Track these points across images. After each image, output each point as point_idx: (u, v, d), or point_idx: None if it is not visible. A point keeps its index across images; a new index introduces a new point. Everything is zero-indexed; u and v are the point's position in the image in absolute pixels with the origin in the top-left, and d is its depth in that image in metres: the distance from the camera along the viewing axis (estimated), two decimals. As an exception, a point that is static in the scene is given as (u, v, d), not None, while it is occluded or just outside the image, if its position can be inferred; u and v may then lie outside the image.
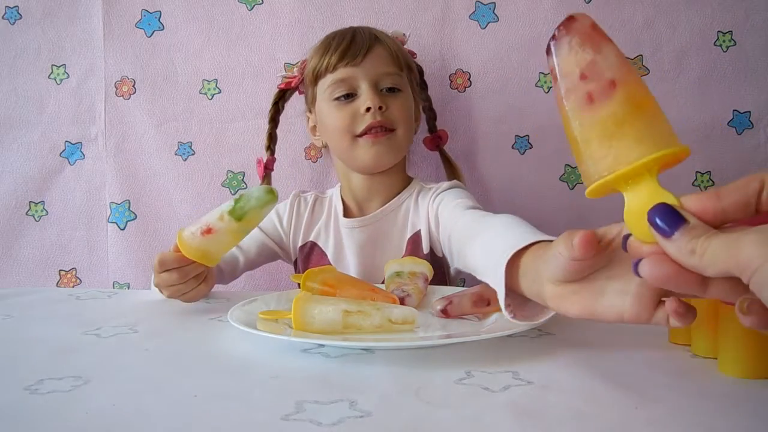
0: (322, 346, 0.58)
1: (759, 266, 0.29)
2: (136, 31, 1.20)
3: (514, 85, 1.15)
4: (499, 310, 0.65)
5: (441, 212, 0.92)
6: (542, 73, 1.15)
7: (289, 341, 0.58)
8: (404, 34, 1.08)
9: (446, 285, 0.95)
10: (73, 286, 1.21)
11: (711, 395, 0.44)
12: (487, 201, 1.12)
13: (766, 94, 1.13)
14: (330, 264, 1.00)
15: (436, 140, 1.13)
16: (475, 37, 1.16)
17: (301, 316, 0.60)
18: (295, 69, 1.09)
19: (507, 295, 0.52)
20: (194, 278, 0.80)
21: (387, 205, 1.00)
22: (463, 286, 0.97)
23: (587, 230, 0.41)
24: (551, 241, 0.50)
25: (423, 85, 1.11)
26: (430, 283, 0.81)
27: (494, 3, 1.15)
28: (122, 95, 1.21)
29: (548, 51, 0.41)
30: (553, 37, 0.41)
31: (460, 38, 1.16)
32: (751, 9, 1.12)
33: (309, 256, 1.03)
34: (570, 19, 0.41)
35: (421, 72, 1.11)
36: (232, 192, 1.20)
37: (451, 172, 1.10)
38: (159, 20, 1.20)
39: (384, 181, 1.01)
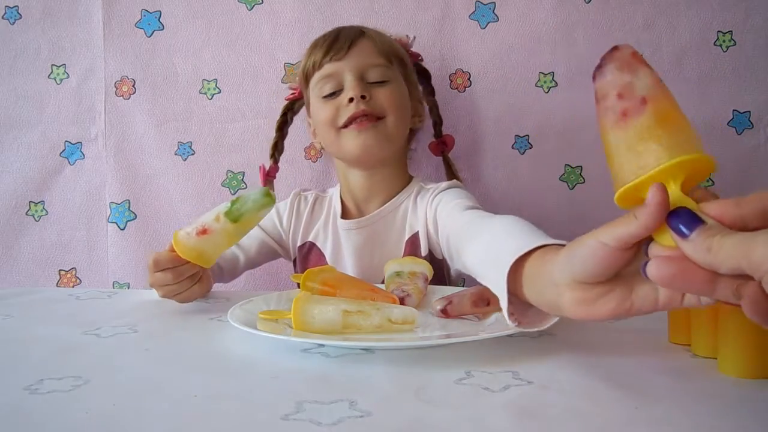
0: (322, 346, 0.58)
1: None
2: (136, 31, 1.20)
3: (514, 85, 1.15)
4: (500, 310, 0.66)
5: (439, 213, 0.91)
6: (542, 73, 1.15)
7: (289, 341, 0.58)
8: (407, 36, 1.08)
9: (442, 281, 0.95)
10: (73, 286, 1.21)
11: (711, 395, 0.44)
12: (487, 201, 1.12)
13: (766, 94, 1.13)
14: (327, 264, 1.00)
15: (441, 146, 1.12)
16: (475, 37, 1.16)
17: (301, 316, 0.60)
18: (297, 78, 1.09)
19: (510, 302, 0.50)
20: (188, 279, 0.80)
21: (385, 206, 0.99)
22: (463, 286, 0.97)
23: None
24: (558, 244, 0.48)
25: (430, 90, 1.11)
26: (430, 284, 0.81)
27: (494, 3, 1.15)
28: (122, 95, 1.21)
29: (594, 77, 0.46)
30: (599, 65, 0.46)
31: (460, 38, 1.16)
32: (751, 9, 1.12)
33: (307, 257, 1.03)
34: (613, 48, 0.46)
35: (428, 76, 1.11)
36: (232, 192, 1.20)
37: (451, 178, 1.09)
38: (159, 20, 1.20)
39: (383, 179, 1.00)
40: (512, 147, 1.16)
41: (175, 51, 1.20)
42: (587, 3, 1.13)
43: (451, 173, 1.10)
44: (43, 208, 1.22)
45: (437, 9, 1.16)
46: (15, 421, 0.42)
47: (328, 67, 0.95)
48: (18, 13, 1.21)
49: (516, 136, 1.16)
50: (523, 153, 1.16)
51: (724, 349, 0.48)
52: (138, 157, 1.20)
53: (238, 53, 1.19)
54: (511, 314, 0.50)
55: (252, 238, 1.03)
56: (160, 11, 1.20)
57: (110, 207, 1.21)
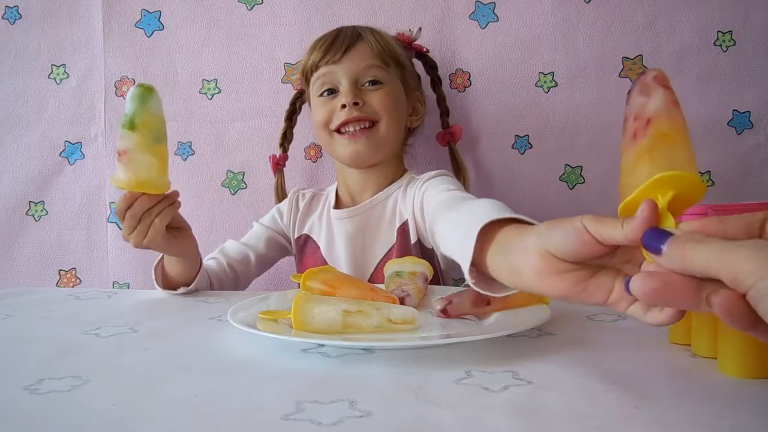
0: (322, 345, 0.58)
1: (756, 281, 0.31)
2: (136, 31, 1.20)
3: (514, 85, 1.15)
4: (500, 310, 0.66)
5: (425, 199, 0.92)
6: (542, 73, 1.15)
7: (289, 341, 0.58)
8: (410, 30, 1.09)
9: (438, 278, 0.96)
10: (73, 286, 1.21)
11: (711, 395, 0.44)
12: (487, 201, 1.12)
13: (766, 94, 1.13)
14: (322, 256, 1.02)
15: (448, 136, 1.13)
16: (475, 37, 1.16)
17: (301, 316, 0.60)
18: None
19: (471, 270, 0.51)
20: (146, 215, 0.80)
21: (376, 195, 1.02)
22: (462, 286, 0.97)
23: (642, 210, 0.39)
24: (533, 224, 0.50)
25: (437, 80, 1.13)
26: (430, 284, 0.81)
27: (494, 3, 1.15)
28: (122, 95, 1.21)
29: (626, 101, 0.48)
30: (629, 90, 0.48)
31: (460, 38, 1.16)
32: (751, 9, 1.12)
33: (303, 249, 1.05)
34: (641, 73, 0.48)
35: (434, 67, 1.13)
36: (232, 192, 1.20)
37: (457, 170, 1.11)
38: (159, 20, 1.20)
39: (379, 174, 1.03)
40: (512, 147, 1.16)
41: (175, 51, 1.20)
42: (587, 3, 1.13)
43: (456, 164, 1.11)
44: (43, 208, 1.22)
45: (437, 9, 1.16)
46: (15, 421, 0.42)
47: (324, 69, 0.98)
48: (18, 13, 1.21)
49: (516, 136, 1.16)
50: (523, 153, 1.16)
51: (724, 349, 0.48)
52: (138, 157, 1.20)
53: (238, 53, 1.19)
54: (471, 272, 0.52)
55: (257, 236, 1.06)
56: (160, 11, 1.20)
57: (110, 207, 1.21)
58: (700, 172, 1.13)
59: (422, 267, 0.80)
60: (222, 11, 1.19)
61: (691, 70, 1.13)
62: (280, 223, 1.08)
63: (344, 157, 0.99)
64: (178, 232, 0.86)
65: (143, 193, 0.79)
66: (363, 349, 0.57)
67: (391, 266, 0.81)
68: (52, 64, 1.22)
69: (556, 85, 1.15)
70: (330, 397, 0.45)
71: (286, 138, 1.16)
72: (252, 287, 1.16)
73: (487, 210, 0.57)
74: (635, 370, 0.50)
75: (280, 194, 1.15)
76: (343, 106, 0.95)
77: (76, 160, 1.22)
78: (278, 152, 1.16)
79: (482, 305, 0.66)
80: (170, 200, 0.82)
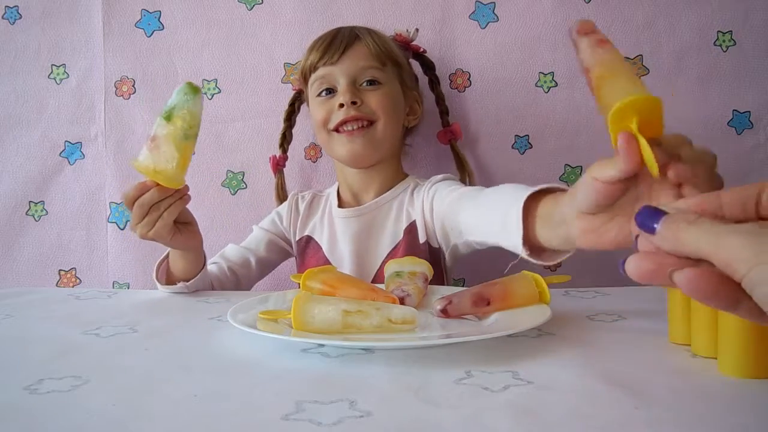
0: (322, 345, 0.58)
1: (751, 268, 0.30)
2: (135, 31, 1.20)
3: (514, 85, 1.15)
4: (500, 310, 0.66)
5: (435, 200, 0.95)
6: (542, 73, 1.15)
7: (289, 341, 0.58)
8: (408, 30, 1.10)
9: (442, 276, 0.98)
10: (73, 286, 1.21)
11: (711, 395, 0.44)
12: (487, 201, 1.12)
13: (766, 94, 1.13)
14: (325, 256, 1.02)
15: (449, 134, 1.14)
16: (475, 37, 1.15)
17: (301, 316, 0.60)
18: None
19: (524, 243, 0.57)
20: (155, 207, 0.80)
21: (382, 196, 1.03)
22: (463, 286, 0.97)
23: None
24: (563, 189, 0.55)
25: (435, 80, 1.14)
26: (430, 284, 0.81)
27: (494, 3, 1.15)
28: (122, 95, 1.21)
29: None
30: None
31: (460, 38, 1.16)
32: (751, 9, 1.12)
33: (305, 250, 1.05)
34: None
35: (432, 67, 1.13)
36: (232, 192, 1.20)
37: (461, 167, 1.12)
38: (159, 20, 1.20)
39: (378, 174, 1.03)
40: (512, 147, 1.16)
41: (175, 51, 1.20)
42: (587, 3, 1.13)
43: (459, 162, 1.12)
44: (43, 208, 1.22)
45: (437, 9, 1.16)
46: (15, 421, 0.42)
47: (323, 70, 0.98)
48: (18, 13, 1.21)
49: (516, 136, 1.16)
50: (523, 153, 1.16)
51: (724, 349, 0.48)
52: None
53: (238, 53, 1.19)
54: (524, 247, 0.57)
55: (257, 240, 1.06)
56: (160, 11, 1.20)
57: (110, 207, 1.21)
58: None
59: (422, 267, 0.80)
60: (222, 11, 1.19)
61: (691, 70, 1.13)
62: (279, 226, 1.08)
63: (342, 156, 1.00)
64: (184, 226, 0.87)
65: (156, 184, 0.79)
66: (363, 349, 0.57)
67: (391, 266, 0.81)
68: (52, 64, 1.22)
69: (556, 85, 1.15)
70: (330, 397, 0.45)
71: (286, 138, 1.16)
72: (252, 288, 1.17)
73: (513, 191, 0.62)
74: (635, 370, 0.50)
75: (281, 195, 1.15)
76: (341, 105, 0.96)
77: (76, 160, 1.22)
78: (278, 153, 1.16)
79: (482, 305, 0.66)
80: (180, 194, 0.82)
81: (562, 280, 0.74)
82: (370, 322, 0.60)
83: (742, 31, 1.12)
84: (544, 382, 0.47)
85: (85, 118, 1.21)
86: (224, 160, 1.20)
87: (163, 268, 0.92)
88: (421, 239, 0.97)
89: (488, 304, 0.66)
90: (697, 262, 0.34)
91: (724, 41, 1.13)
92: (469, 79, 1.16)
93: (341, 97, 0.96)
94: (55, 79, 1.22)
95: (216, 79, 1.20)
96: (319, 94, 0.99)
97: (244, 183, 1.20)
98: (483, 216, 0.72)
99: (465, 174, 1.10)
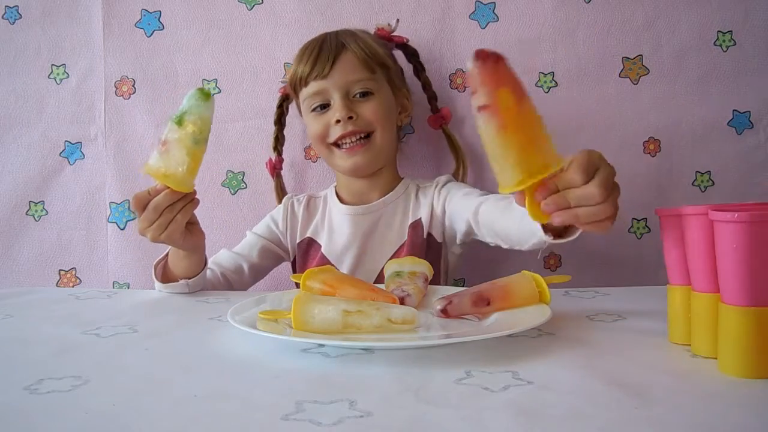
0: (322, 345, 0.58)
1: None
2: (136, 30, 1.20)
3: (514, 85, 1.15)
4: (500, 310, 0.66)
5: (450, 201, 1.00)
6: (542, 73, 1.15)
7: (289, 341, 0.58)
8: (390, 24, 1.10)
9: (439, 272, 1.01)
10: (72, 286, 1.21)
11: (711, 395, 0.44)
12: (487, 201, 1.12)
13: (766, 94, 1.13)
14: (327, 256, 1.03)
15: (440, 120, 1.14)
16: (475, 37, 1.15)
17: (301, 316, 0.60)
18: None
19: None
20: (168, 209, 0.80)
21: (387, 196, 1.05)
22: (463, 286, 0.97)
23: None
24: None
25: (420, 67, 1.14)
26: (430, 284, 0.81)
27: (494, 3, 1.15)
28: (122, 95, 1.21)
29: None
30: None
31: (460, 38, 1.16)
32: (751, 9, 1.12)
33: (307, 252, 1.06)
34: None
35: (415, 54, 1.13)
36: (232, 192, 1.20)
37: (455, 152, 1.13)
38: (159, 20, 1.20)
39: (381, 178, 1.06)
40: (512, 147, 1.16)
41: (175, 51, 1.20)
42: (587, 3, 1.13)
43: (453, 146, 1.13)
44: (43, 208, 1.22)
45: (437, 9, 1.16)
46: (15, 421, 0.42)
47: (314, 85, 0.99)
48: (18, 13, 1.21)
49: (516, 136, 1.16)
50: (523, 153, 1.16)
51: (724, 349, 0.48)
52: (138, 157, 1.20)
53: (238, 53, 1.19)
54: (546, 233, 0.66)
55: (251, 246, 1.06)
56: (160, 11, 1.20)
57: (110, 207, 1.21)
58: (699, 173, 1.14)
59: (422, 267, 0.80)
60: (222, 11, 1.19)
61: (691, 70, 1.13)
62: (275, 230, 1.08)
63: (345, 170, 1.02)
64: (191, 226, 0.87)
65: (166, 188, 0.80)
66: (363, 349, 0.57)
67: (391, 266, 0.82)
68: (52, 64, 1.22)
69: (556, 85, 1.15)
70: (330, 397, 0.45)
71: (279, 141, 1.16)
72: (252, 288, 1.17)
73: None
74: (635, 370, 0.50)
75: (281, 197, 1.15)
76: (338, 121, 0.97)
77: (76, 160, 1.22)
78: (273, 156, 1.16)
79: (482, 305, 0.67)
80: (190, 198, 0.83)
81: (562, 280, 0.74)
82: (370, 322, 0.60)
83: (742, 31, 1.12)
84: (544, 382, 0.47)
85: (85, 118, 1.21)
86: (224, 160, 1.20)
87: (161, 268, 0.92)
88: (424, 234, 1.00)
89: (488, 304, 0.66)
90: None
91: (724, 41, 1.13)
92: (469, 79, 1.16)
93: (337, 113, 0.97)
94: (55, 79, 1.21)
95: (216, 79, 1.20)
96: (314, 109, 1.00)
97: (244, 183, 1.20)
98: (506, 209, 0.83)
99: (459, 160, 1.12)
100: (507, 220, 0.84)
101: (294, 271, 1.09)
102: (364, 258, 1.02)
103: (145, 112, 1.20)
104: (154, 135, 1.20)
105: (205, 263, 0.93)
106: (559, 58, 1.14)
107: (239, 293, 0.94)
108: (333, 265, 1.00)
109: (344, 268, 1.01)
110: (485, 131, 0.57)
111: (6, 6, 1.21)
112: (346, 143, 0.99)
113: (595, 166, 0.58)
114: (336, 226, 1.05)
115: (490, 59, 0.53)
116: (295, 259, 1.09)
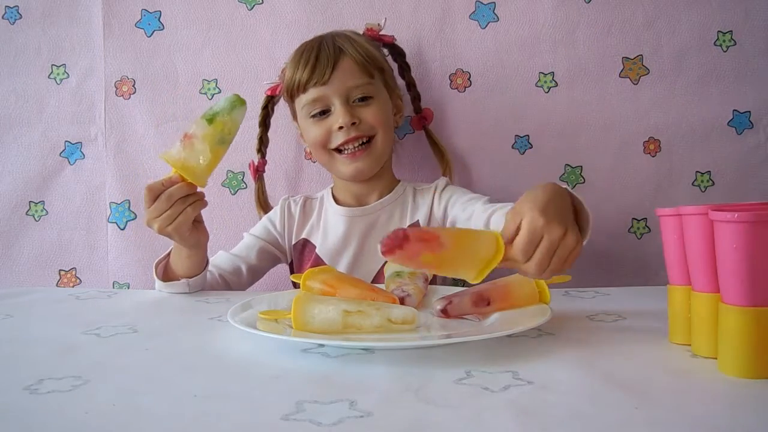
0: (322, 346, 0.58)
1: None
2: (136, 30, 1.20)
3: (514, 85, 1.15)
4: (500, 310, 0.66)
5: (453, 206, 1.01)
6: (542, 73, 1.15)
7: (289, 341, 0.58)
8: (379, 24, 1.11)
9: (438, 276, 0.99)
10: (73, 286, 1.21)
11: (711, 395, 0.44)
12: (487, 201, 1.12)
13: (766, 94, 1.13)
14: (322, 257, 1.03)
15: (422, 120, 1.15)
16: (475, 37, 1.15)
17: (301, 316, 0.60)
18: (277, 78, 1.12)
19: None
20: (180, 201, 0.81)
21: (385, 198, 1.05)
22: (463, 286, 0.97)
23: None
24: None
25: (405, 67, 1.14)
26: (431, 283, 0.81)
27: (494, 3, 1.15)
28: (122, 95, 1.21)
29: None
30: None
31: (460, 38, 1.16)
32: (751, 9, 1.12)
33: (302, 253, 1.06)
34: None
35: (402, 54, 1.14)
36: (232, 192, 1.20)
37: (438, 152, 1.14)
38: (159, 20, 1.20)
39: (380, 180, 1.06)
40: (512, 147, 1.16)
41: (175, 51, 1.20)
42: (587, 3, 1.13)
43: (437, 148, 1.14)
44: (43, 208, 1.22)
45: (437, 9, 1.16)
46: (15, 421, 0.42)
47: (313, 92, 0.98)
48: (18, 13, 1.21)
49: (516, 136, 1.16)
50: (523, 153, 1.16)
51: (724, 349, 0.48)
52: (138, 157, 1.20)
53: (238, 53, 1.19)
54: None
55: (249, 247, 1.06)
56: (160, 11, 1.20)
57: (110, 207, 1.21)
58: (699, 173, 1.14)
59: (422, 267, 0.80)
60: (222, 11, 1.19)
61: (691, 70, 1.13)
62: (273, 232, 1.08)
63: (346, 175, 1.02)
64: (197, 223, 0.88)
65: (182, 179, 0.81)
66: (363, 349, 0.57)
67: (391, 266, 0.81)
68: (52, 64, 1.22)
69: (556, 85, 1.15)
70: (330, 397, 0.45)
71: (263, 143, 1.16)
72: (250, 289, 1.16)
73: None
74: (635, 370, 0.50)
75: (262, 200, 1.16)
76: (341, 127, 0.96)
77: (76, 160, 1.22)
78: (256, 158, 1.16)
79: (482, 305, 0.67)
80: (201, 195, 0.85)
81: (562, 280, 0.74)
82: (370, 322, 0.60)
83: (742, 31, 1.12)
84: (544, 382, 0.47)
85: (85, 118, 1.21)
86: (224, 160, 1.18)
87: (162, 267, 0.92)
88: None
89: (488, 304, 0.66)
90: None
91: (724, 41, 1.13)
92: (469, 79, 1.16)
93: (339, 119, 0.96)
94: (55, 79, 1.22)
95: (216, 79, 1.20)
96: (313, 115, 0.99)
97: (244, 183, 1.20)
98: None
99: (444, 161, 1.12)
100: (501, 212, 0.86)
101: (292, 272, 1.09)
102: (360, 259, 1.02)
103: (145, 112, 1.20)
104: (155, 135, 1.20)
105: (207, 264, 0.93)
106: (559, 58, 1.14)
107: (239, 293, 0.94)
108: (328, 265, 1.00)
109: (340, 269, 1.01)
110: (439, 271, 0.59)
111: (6, 6, 1.21)
112: (348, 149, 0.99)
113: (534, 232, 0.59)
114: (331, 227, 1.05)
115: (395, 250, 0.52)
116: (292, 262, 1.09)
